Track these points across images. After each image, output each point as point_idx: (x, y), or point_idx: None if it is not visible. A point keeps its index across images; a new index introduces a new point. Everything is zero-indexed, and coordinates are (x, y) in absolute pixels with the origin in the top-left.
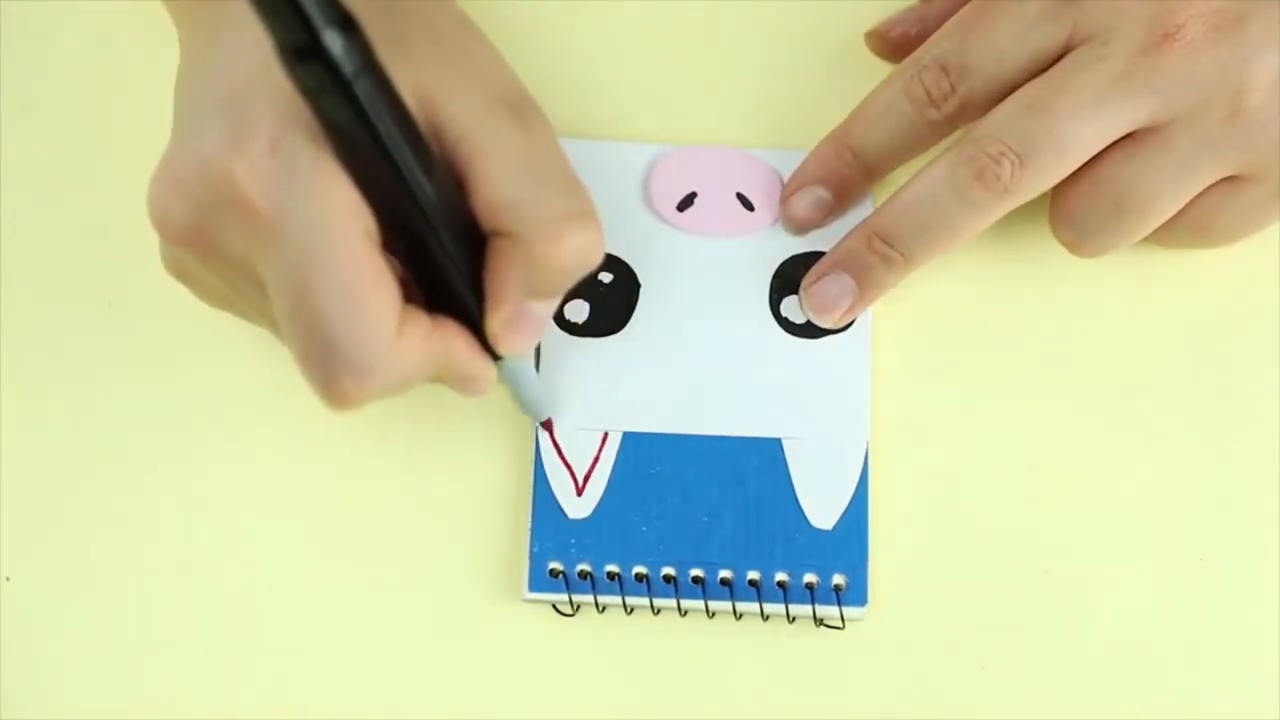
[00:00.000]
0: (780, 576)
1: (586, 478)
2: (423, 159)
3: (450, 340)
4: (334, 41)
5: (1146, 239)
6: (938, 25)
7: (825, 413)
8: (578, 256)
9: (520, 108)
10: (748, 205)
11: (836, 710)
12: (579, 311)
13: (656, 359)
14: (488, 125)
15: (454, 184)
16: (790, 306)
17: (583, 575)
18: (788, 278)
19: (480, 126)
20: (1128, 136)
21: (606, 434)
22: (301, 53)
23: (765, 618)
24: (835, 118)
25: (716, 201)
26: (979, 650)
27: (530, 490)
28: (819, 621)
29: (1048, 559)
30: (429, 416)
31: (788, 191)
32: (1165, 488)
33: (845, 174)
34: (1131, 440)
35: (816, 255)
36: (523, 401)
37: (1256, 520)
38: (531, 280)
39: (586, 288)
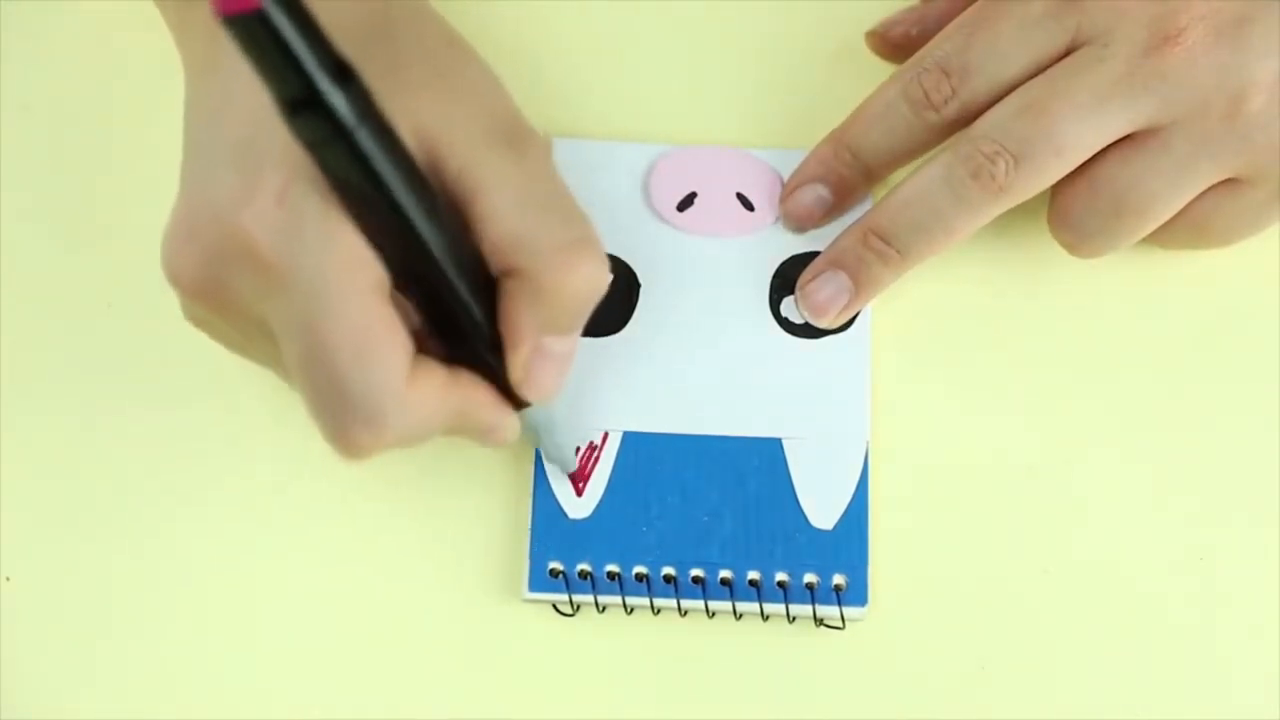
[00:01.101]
0: (780, 576)
1: (586, 478)
2: (428, 205)
3: (467, 390)
4: (333, 94)
5: (1145, 240)
6: (938, 26)
7: (825, 413)
8: (586, 285)
9: (516, 135)
10: (748, 205)
11: (837, 710)
12: None
13: (656, 359)
14: (486, 159)
15: (459, 225)
16: (790, 306)
17: (583, 575)
18: (787, 278)
19: (479, 160)
20: (1127, 138)
21: (606, 434)
22: (300, 106)
23: (765, 618)
24: (835, 118)
25: (716, 201)
26: (979, 650)
27: (530, 490)
28: (819, 621)
29: (1048, 559)
30: None
31: (788, 190)
32: (1165, 488)
33: (844, 174)
34: (1131, 440)
35: (817, 255)
36: (550, 451)
37: (1256, 520)
38: (544, 315)
39: None
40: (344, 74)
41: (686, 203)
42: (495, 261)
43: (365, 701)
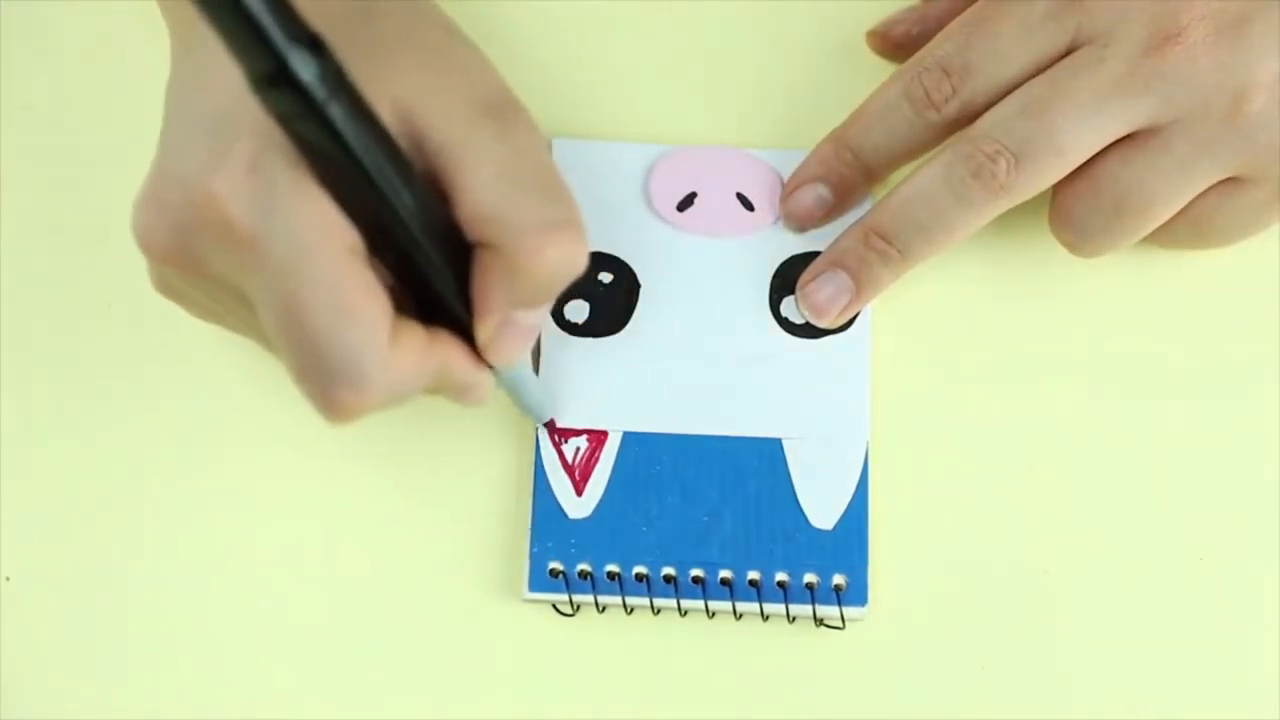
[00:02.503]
0: (780, 576)
1: (586, 478)
2: (402, 175)
3: (445, 350)
4: (303, 67)
5: (1145, 240)
6: (939, 25)
7: (825, 413)
8: (560, 267)
9: (501, 110)
10: (748, 205)
11: (836, 710)
12: (579, 311)
13: (656, 359)
14: (468, 133)
15: (436, 197)
16: (790, 306)
17: (583, 575)
18: (787, 278)
19: (460, 135)
20: (1127, 137)
21: (606, 434)
22: (270, 80)
23: (765, 618)
24: (835, 118)
25: (716, 201)
26: (979, 650)
27: (530, 490)
28: (819, 621)
29: (1048, 559)
30: (430, 417)
31: (788, 189)
32: (1165, 488)
33: (845, 174)
34: (1131, 440)
35: (817, 255)
36: (523, 406)
37: (1256, 520)
38: (516, 291)
39: (586, 288)
40: (314, 47)
41: (686, 203)
42: (472, 233)
43: (365, 701)
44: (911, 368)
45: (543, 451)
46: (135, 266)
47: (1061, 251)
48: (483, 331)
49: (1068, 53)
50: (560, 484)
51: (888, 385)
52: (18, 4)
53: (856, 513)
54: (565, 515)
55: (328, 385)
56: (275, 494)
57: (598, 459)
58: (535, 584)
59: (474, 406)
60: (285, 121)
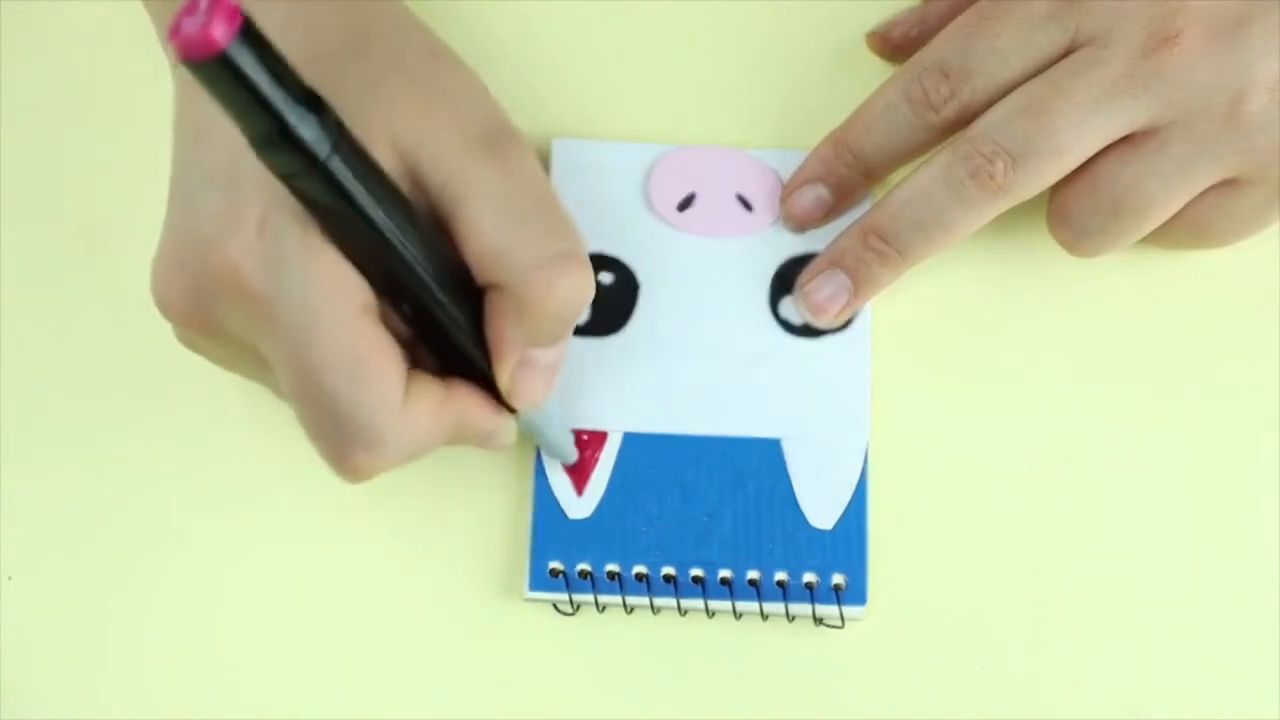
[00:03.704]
0: (780, 576)
1: (586, 478)
2: (408, 224)
3: (463, 402)
4: (302, 127)
5: (1145, 240)
6: (939, 26)
7: (825, 413)
8: (569, 300)
9: (497, 141)
10: (747, 206)
11: (836, 710)
12: None
13: (656, 359)
14: (467, 169)
15: (443, 239)
16: (790, 307)
17: (583, 575)
18: (787, 278)
19: (460, 172)
20: (1126, 138)
21: (606, 434)
22: (271, 140)
23: (765, 617)
24: (835, 118)
25: (716, 202)
26: (978, 650)
27: (530, 490)
28: (818, 621)
29: (1047, 559)
30: None
31: (788, 190)
32: (1165, 488)
33: (844, 174)
34: (1131, 440)
35: (816, 256)
36: (547, 448)
37: (1256, 520)
38: (529, 330)
39: None
40: (313, 104)
41: (686, 203)
42: (479, 275)
43: (366, 701)
44: (911, 368)
45: (543, 451)
46: (135, 266)
47: (1061, 252)
48: (502, 375)
49: (1067, 53)
50: (560, 484)
51: (887, 386)
52: (18, 4)
53: (856, 512)
54: (565, 515)
55: (342, 447)
56: (276, 494)
57: (598, 459)
58: (536, 584)
59: (498, 450)
60: (289, 180)
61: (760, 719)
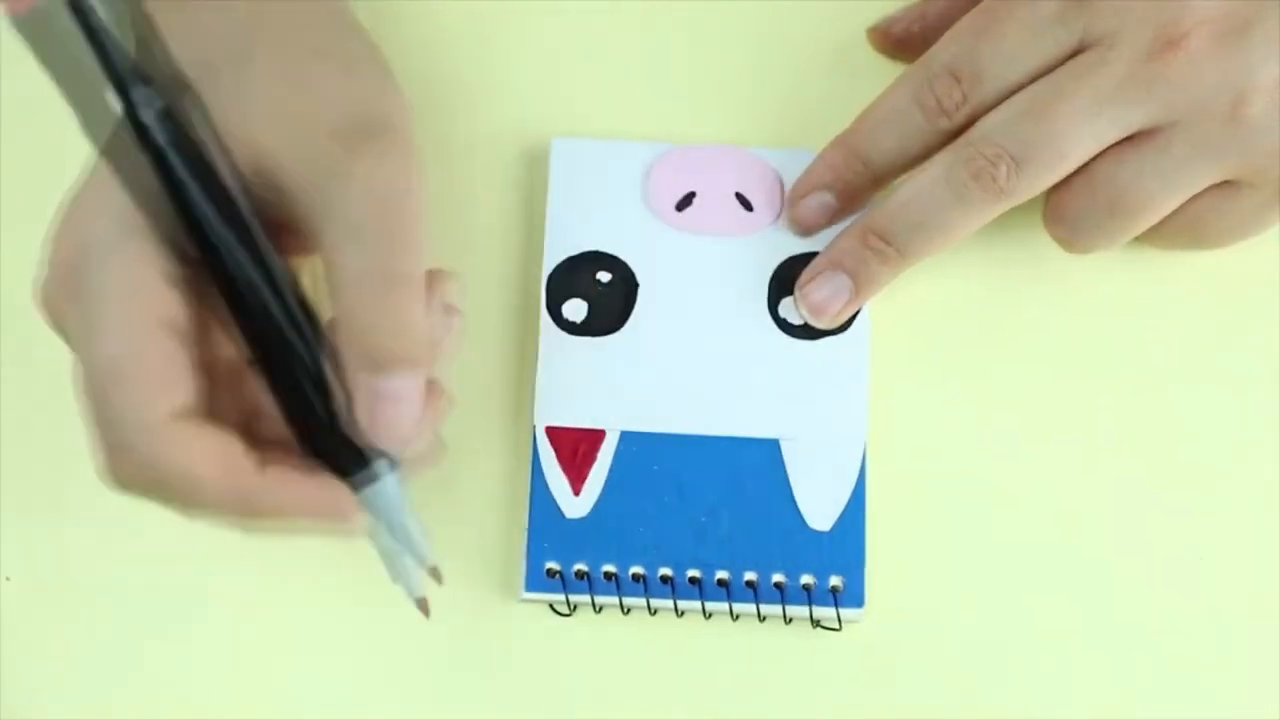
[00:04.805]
0: (777, 578)
1: (583, 477)
2: (232, 217)
3: (275, 476)
4: (120, 102)
5: (1142, 240)
6: (940, 22)
7: (823, 414)
8: (397, 326)
9: (355, 138)
10: (746, 205)
11: (833, 711)
12: (577, 310)
13: (654, 359)
14: (318, 176)
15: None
16: (788, 307)
17: (579, 575)
18: (786, 278)
19: (310, 179)
20: (1126, 138)
21: (604, 433)
22: (81, 107)
23: (762, 619)
24: (834, 117)
25: (715, 201)
26: (976, 652)
27: (527, 489)
28: (815, 623)
29: (1045, 560)
30: None
31: (794, 195)
32: (1164, 488)
33: (852, 180)
34: (1130, 440)
35: (815, 256)
36: (398, 544)
37: (1256, 520)
38: (358, 354)
39: (584, 287)
40: (136, 78)
41: (685, 202)
42: (330, 299)
43: (363, 701)
44: (909, 369)
45: (540, 450)
46: None
47: (1058, 252)
48: (356, 411)
49: (1074, 54)
50: (557, 483)
51: (886, 386)
52: None
53: (854, 514)
54: (562, 515)
55: (96, 447)
56: None
57: (595, 458)
58: (532, 584)
59: (341, 534)
60: (108, 157)
61: None
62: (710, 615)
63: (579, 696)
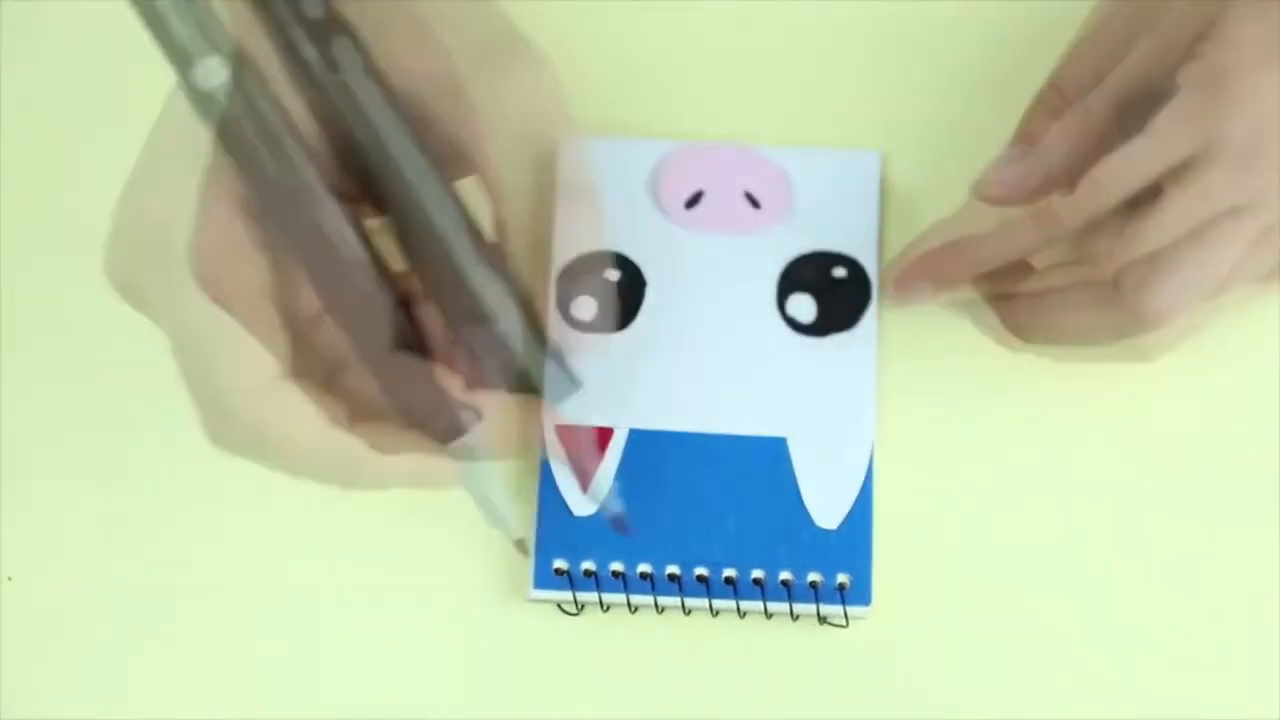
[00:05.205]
0: (784, 575)
1: (592, 475)
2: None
3: (372, 431)
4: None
5: None
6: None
7: (831, 412)
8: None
9: (493, 56)
10: (755, 203)
11: (840, 709)
12: (586, 308)
13: (663, 357)
14: (461, 98)
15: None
16: (796, 305)
17: (587, 574)
18: (794, 277)
19: (456, 101)
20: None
21: (612, 431)
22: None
23: (769, 616)
24: (842, 115)
25: (724, 199)
26: (981, 650)
27: (536, 488)
28: (823, 620)
29: (1051, 560)
30: None
31: (899, 275)
32: (1166, 487)
33: (955, 279)
34: (1134, 441)
35: (824, 255)
36: (488, 513)
37: (1256, 526)
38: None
39: (593, 285)
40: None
41: (694, 200)
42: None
43: (370, 700)
44: (917, 367)
45: (548, 448)
46: None
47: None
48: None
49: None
50: (566, 482)
51: (893, 385)
52: (18, 4)
53: (861, 512)
54: (570, 513)
55: (195, 406)
56: (277, 493)
57: (604, 456)
58: (540, 582)
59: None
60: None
61: (764, 718)
62: (718, 613)
63: (587, 694)
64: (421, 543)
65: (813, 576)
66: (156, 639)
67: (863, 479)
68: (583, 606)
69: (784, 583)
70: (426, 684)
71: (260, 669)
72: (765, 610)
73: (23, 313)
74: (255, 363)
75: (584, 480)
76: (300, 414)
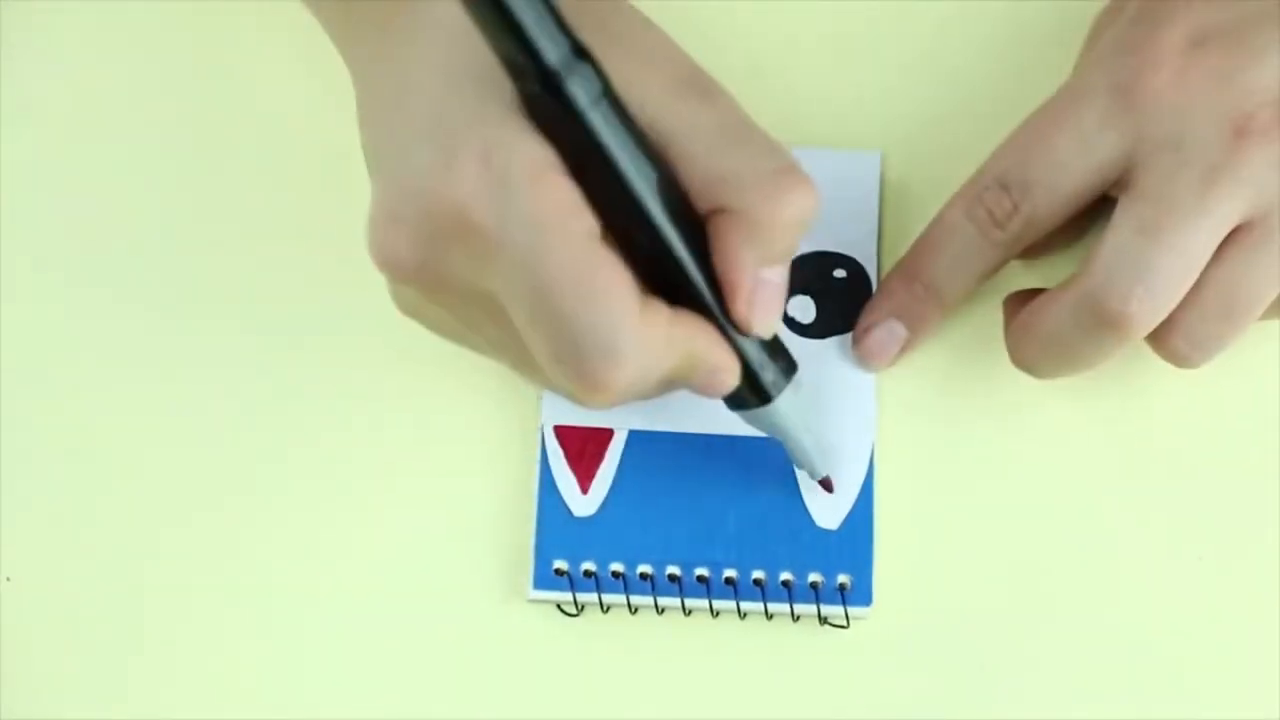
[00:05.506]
0: (785, 576)
1: (591, 475)
2: (650, 166)
3: (692, 328)
4: (574, 82)
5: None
6: None
7: (832, 412)
8: (799, 211)
9: (698, 84)
10: None
11: (841, 710)
12: None
13: None
14: (675, 107)
15: (669, 175)
16: (796, 306)
17: (587, 574)
18: (794, 278)
19: (668, 109)
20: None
21: (612, 431)
22: (540, 93)
23: (770, 617)
24: (842, 116)
25: None
26: (982, 650)
27: (535, 488)
28: (823, 621)
29: (1051, 560)
30: (435, 413)
31: (861, 328)
32: (1167, 487)
33: (916, 306)
34: (1135, 441)
35: (823, 256)
36: (796, 454)
37: (1256, 522)
38: (760, 247)
39: None
40: (583, 56)
41: None
42: (703, 202)
43: (369, 701)
44: (918, 368)
45: (548, 449)
46: (136, 266)
47: (1068, 257)
48: (739, 300)
49: (1127, 159)
50: (565, 482)
51: (894, 386)
52: (18, 4)
53: (862, 513)
54: (570, 513)
55: (582, 363)
56: (279, 493)
57: (603, 457)
58: (540, 583)
59: (717, 395)
60: (546, 124)
61: (764, 719)
62: (718, 614)
63: (586, 696)
64: (421, 543)
65: (813, 577)
66: (157, 639)
67: (864, 479)
68: (582, 607)
69: (785, 583)
70: (426, 684)
71: (260, 669)
72: (766, 611)
73: (23, 312)
74: (627, 304)
75: (584, 481)
76: (669, 341)
